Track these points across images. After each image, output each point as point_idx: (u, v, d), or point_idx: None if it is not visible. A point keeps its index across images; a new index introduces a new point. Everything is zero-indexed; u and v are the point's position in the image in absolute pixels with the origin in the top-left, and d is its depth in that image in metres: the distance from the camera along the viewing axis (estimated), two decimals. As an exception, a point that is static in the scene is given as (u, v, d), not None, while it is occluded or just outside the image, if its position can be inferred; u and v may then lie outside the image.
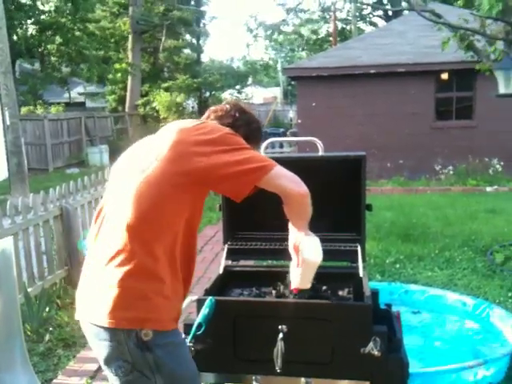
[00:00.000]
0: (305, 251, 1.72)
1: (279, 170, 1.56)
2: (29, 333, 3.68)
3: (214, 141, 1.54)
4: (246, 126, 1.79)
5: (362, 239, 2.24)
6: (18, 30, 17.11)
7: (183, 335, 1.67)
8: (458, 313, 3.91)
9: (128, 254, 1.47)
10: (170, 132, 1.59)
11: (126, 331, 1.46)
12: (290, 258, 2.50)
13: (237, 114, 1.79)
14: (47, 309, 4.04)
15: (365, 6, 25.92)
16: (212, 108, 1.86)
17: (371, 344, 1.71)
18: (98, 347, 1.52)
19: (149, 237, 1.49)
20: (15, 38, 16.20)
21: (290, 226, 1.79)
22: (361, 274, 2.06)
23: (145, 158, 1.57)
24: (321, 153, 2.82)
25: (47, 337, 3.70)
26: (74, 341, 3.69)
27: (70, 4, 17.46)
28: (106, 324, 1.46)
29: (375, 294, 2.04)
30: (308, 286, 1.83)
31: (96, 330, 1.49)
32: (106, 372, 1.55)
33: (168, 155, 1.51)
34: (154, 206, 1.50)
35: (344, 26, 28.59)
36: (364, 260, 2.17)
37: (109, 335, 1.47)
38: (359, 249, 2.21)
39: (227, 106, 1.82)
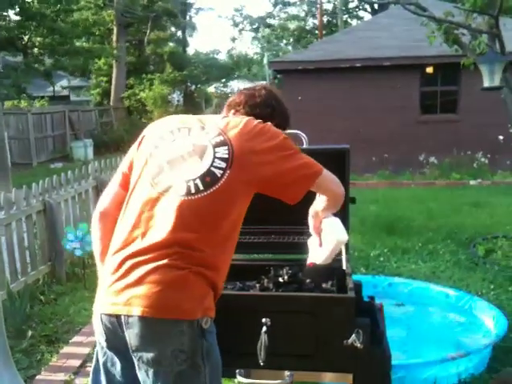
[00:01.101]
0: (334, 232, 1.82)
1: (326, 173, 1.66)
2: (11, 329, 3.62)
3: (277, 147, 1.60)
4: (281, 115, 1.85)
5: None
6: (1, 21, 16.81)
7: None
8: (441, 305, 3.95)
9: (193, 251, 1.49)
10: (233, 135, 1.59)
11: (189, 320, 1.45)
12: (273, 251, 2.54)
13: (273, 103, 1.83)
14: (30, 305, 3.98)
15: None
16: (246, 91, 1.85)
17: (354, 336, 1.71)
18: (150, 341, 1.45)
19: (216, 238, 1.54)
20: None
21: (311, 210, 1.86)
22: (344, 267, 2.07)
23: (204, 156, 1.57)
24: (305, 146, 2.83)
25: (30, 333, 3.66)
26: (57, 337, 3.66)
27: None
28: (174, 316, 1.44)
29: (358, 286, 2.05)
30: (330, 261, 1.91)
31: (152, 322, 1.44)
32: (148, 369, 1.46)
33: (236, 163, 1.55)
34: (221, 213, 1.54)
35: (330, 19, 28.59)
36: (347, 253, 2.17)
37: (171, 326, 1.45)
38: (343, 242, 2.21)
39: (263, 93, 1.83)
